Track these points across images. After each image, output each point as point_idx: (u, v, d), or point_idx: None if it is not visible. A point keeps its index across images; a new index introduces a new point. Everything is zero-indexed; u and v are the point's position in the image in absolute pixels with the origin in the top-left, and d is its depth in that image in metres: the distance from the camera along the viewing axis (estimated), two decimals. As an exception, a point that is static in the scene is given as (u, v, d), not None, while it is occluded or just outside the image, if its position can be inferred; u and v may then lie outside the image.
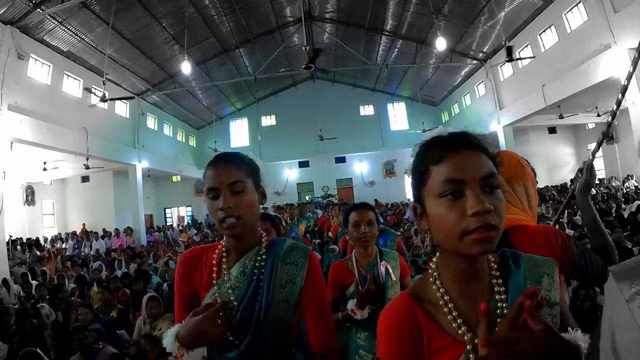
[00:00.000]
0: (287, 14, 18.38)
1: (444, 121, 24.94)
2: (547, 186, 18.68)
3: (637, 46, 2.09)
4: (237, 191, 1.50)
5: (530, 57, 14.93)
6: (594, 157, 2.14)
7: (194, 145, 26.27)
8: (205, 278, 1.63)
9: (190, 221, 23.25)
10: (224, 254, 1.65)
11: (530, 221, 1.75)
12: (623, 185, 18.17)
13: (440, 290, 1.12)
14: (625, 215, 10.37)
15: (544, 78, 14.69)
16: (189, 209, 26.21)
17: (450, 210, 1.00)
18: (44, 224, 20.32)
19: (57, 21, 12.40)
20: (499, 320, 1.02)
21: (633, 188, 16.71)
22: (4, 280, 9.35)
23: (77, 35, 13.41)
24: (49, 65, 13.52)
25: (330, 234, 8.26)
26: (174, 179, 25.14)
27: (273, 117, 27.38)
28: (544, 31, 14.94)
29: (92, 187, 21.07)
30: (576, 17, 13.22)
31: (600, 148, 2.20)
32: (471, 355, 1.01)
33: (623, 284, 0.78)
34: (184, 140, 25.16)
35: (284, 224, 4.26)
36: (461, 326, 1.05)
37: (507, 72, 17.90)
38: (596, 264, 1.64)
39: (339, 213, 7.83)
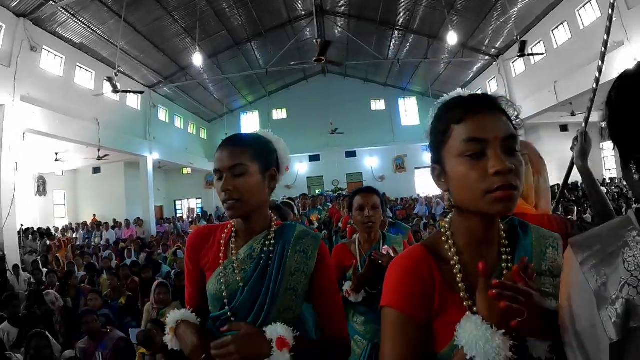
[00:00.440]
0: (299, 8, 18.35)
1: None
2: (558, 184, 18.48)
3: None
4: (238, 174, 1.53)
5: (540, 54, 14.83)
6: (586, 124, 2.34)
7: (205, 138, 26.36)
8: (212, 257, 1.65)
9: (200, 213, 23.32)
10: (233, 235, 1.67)
11: (530, 209, 1.77)
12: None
13: (452, 250, 1.13)
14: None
15: (556, 75, 14.58)
16: (199, 201, 26.29)
17: (472, 170, 1.01)
18: (56, 215, 20.54)
19: (70, 13, 12.49)
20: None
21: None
22: (15, 266, 9.50)
23: (89, 27, 13.50)
24: (62, 57, 13.65)
25: (340, 224, 8.29)
26: (185, 171, 25.24)
27: (284, 110, 27.36)
28: (557, 27, 14.83)
29: (103, 178, 21.24)
30: (589, 14, 13.11)
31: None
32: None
33: (578, 251, 0.90)
34: (195, 133, 25.24)
35: (296, 211, 4.34)
36: (465, 290, 1.08)
37: (519, 68, 17.79)
38: None
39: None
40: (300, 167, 26.05)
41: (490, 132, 1.01)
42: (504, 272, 1.11)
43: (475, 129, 1.02)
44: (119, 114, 16.68)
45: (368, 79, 26.34)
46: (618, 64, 11.44)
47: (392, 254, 2.44)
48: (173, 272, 8.20)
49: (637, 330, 0.77)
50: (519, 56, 12.95)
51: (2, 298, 6.04)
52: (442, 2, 14.87)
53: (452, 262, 1.11)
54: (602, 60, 2.37)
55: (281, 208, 3.37)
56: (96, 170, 21.21)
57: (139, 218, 17.84)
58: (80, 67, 14.67)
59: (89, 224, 18.43)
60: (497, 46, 17.97)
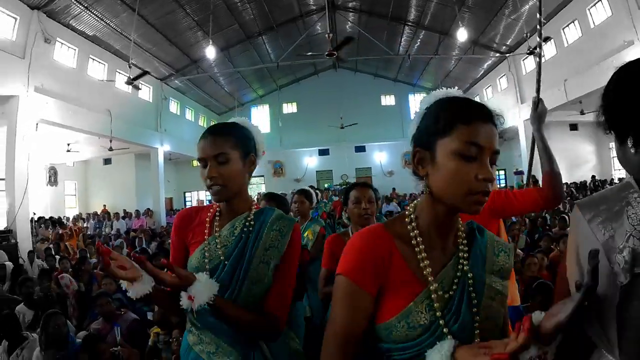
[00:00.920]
0: (310, 2, 18.37)
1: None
2: (566, 183, 18.47)
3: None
4: (222, 162, 1.67)
5: (535, 53, 14.73)
6: (539, 85, 2.85)
7: (215, 131, 26.27)
8: (197, 233, 1.80)
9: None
10: (217, 215, 1.83)
11: None
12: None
13: (415, 231, 1.21)
14: None
15: (566, 73, 14.54)
16: (209, 193, 26.26)
17: (463, 169, 1.09)
18: (66, 205, 20.73)
19: (83, 6, 12.61)
20: (458, 274, 1.18)
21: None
22: (30, 252, 9.72)
23: (102, 20, 13.63)
24: (75, 49, 13.83)
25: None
26: (195, 163, 25.20)
27: (294, 104, 27.47)
28: (567, 26, 14.79)
29: (114, 169, 21.43)
30: (600, 12, 13.08)
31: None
32: (433, 295, 1.13)
33: (585, 211, 1.15)
34: (205, 125, 25.04)
35: (313, 199, 4.59)
36: (427, 267, 1.16)
37: (530, 66, 17.74)
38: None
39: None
40: (309, 161, 26.20)
41: (490, 142, 1.10)
42: (460, 261, 1.21)
43: (479, 134, 1.09)
44: (130, 106, 16.86)
45: (378, 74, 26.37)
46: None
47: None
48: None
49: None
50: (529, 53, 12.92)
51: (18, 281, 6.22)
52: (453, -1, 14.89)
53: (413, 242, 1.19)
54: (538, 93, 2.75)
55: (277, 197, 3.59)
56: (107, 161, 21.36)
57: (149, 209, 18.03)
58: (93, 59, 14.84)
59: (99, 214, 18.63)
60: (507, 43, 17.92)
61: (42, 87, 11.80)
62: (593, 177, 18.98)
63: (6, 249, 9.45)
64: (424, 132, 1.21)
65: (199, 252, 1.74)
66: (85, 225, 17.53)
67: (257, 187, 24.60)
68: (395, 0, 16.78)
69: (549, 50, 15.56)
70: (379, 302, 1.17)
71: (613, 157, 20.63)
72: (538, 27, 2.76)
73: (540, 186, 2.39)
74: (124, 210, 18.60)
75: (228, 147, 1.68)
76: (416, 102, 26.28)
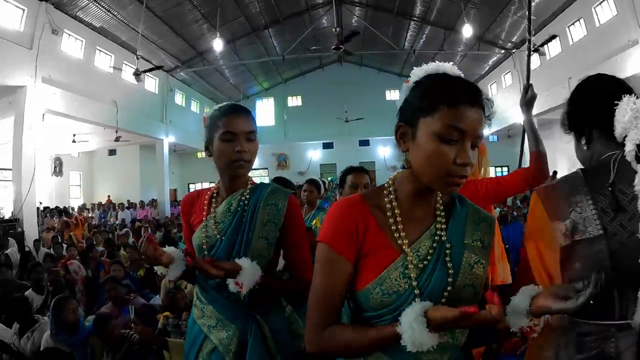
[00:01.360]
0: (317, -4, 18.39)
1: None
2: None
3: None
4: (251, 139, 1.82)
5: (537, 51, 14.77)
6: (529, 72, 3.17)
7: (221, 123, 26.28)
8: (198, 214, 1.95)
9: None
10: (215, 195, 1.98)
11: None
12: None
13: (393, 203, 1.25)
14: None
15: (570, 71, 14.45)
16: (213, 184, 26.33)
17: (441, 151, 1.09)
18: (71, 195, 20.90)
19: (91, -3, 12.70)
20: (434, 244, 1.21)
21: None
22: (36, 240, 9.84)
23: (109, 11, 13.71)
24: (82, 41, 13.92)
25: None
26: (199, 155, 25.27)
27: (299, 97, 27.47)
28: (573, 24, 14.77)
29: (119, 160, 21.58)
30: (605, 11, 13.03)
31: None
32: (408, 264, 1.17)
33: (541, 194, 1.44)
34: (210, 118, 25.14)
35: (322, 191, 4.77)
36: (402, 236, 1.20)
37: (534, 63, 17.66)
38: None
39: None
40: (313, 154, 26.22)
41: (472, 127, 1.09)
42: (437, 232, 1.24)
43: (462, 119, 1.08)
44: (136, 97, 16.93)
45: (383, 68, 26.34)
46: (633, 61, 11.45)
47: None
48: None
49: (579, 241, 1.27)
50: (534, 51, 12.91)
51: (27, 267, 6.33)
52: (459, -5, 14.88)
53: (388, 213, 1.23)
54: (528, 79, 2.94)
55: (285, 181, 3.87)
56: (112, 152, 21.54)
57: (153, 199, 18.12)
58: (100, 51, 14.92)
59: (104, 204, 18.74)
60: (513, 40, 17.90)
61: (49, 78, 11.91)
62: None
63: (13, 237, 9.59)
64: (408, 107, 1.21)
65: (199, 231, 1.89)
66: (90, 215, 17.64)
67: (260, 180, 24.55)
68: (401, -5, 16.77)
69: (554, 48, 15.55)
70: (358, 270, 1.22)
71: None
72: (527, 13, 2.97)
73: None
74: (128, 201, 18.70)
75: (255, 126, 1.84)
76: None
